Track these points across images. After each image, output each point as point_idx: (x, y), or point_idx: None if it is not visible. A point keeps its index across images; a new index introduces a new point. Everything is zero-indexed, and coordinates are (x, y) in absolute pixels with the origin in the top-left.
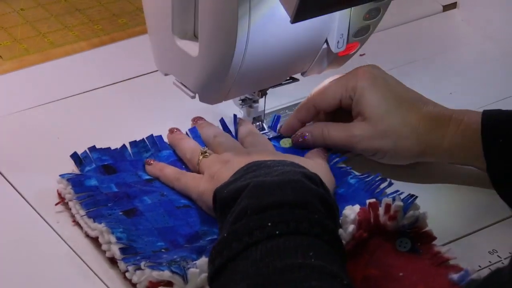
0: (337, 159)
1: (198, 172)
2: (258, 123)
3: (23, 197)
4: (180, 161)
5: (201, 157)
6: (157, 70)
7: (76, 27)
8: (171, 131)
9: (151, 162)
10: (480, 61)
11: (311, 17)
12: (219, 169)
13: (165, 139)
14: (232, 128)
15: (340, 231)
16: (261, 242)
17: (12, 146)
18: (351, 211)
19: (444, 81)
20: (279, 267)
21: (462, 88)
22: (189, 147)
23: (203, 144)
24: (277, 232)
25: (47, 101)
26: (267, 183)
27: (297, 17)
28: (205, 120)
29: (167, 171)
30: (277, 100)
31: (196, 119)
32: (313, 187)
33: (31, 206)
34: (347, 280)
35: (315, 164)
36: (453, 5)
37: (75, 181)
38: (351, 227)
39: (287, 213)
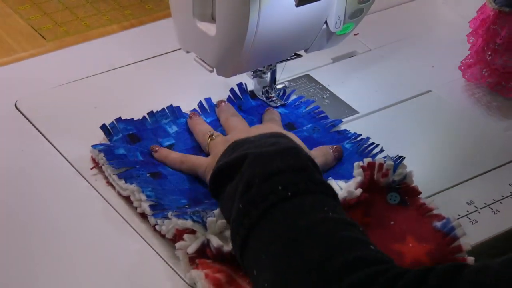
0: (333, 123)
1: (209, 153)
2: (265, 89)
3: (66, 159)
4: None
5: (208, 140)
6: (179, 49)
7: (109, 12)
8: (190, 116)
9: (156, 148)
10: (457, 38)
11: (313, 1)
12: (221, 150)
13: (183, 110)
14: (241, 95)
15: (347, 191)
16: (277, 204)
17: (56, 115)
18: (358, 174)
19: (427, 56)
20: (305, 224)
21: (442, 62)
22: (200, 131)
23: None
24: (289, 194)
25: (84, 76)
26: (266, 153)
27: (300, 2)
28: (226, 104)
29: (172, 156)
30: (283, 73)
31: (220, 103)
32: (304, 152)
33: (74, 167)
34: (361, 226)
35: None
36: None
37: (106, 151)
38: (358, 191)
39: (293, 176)
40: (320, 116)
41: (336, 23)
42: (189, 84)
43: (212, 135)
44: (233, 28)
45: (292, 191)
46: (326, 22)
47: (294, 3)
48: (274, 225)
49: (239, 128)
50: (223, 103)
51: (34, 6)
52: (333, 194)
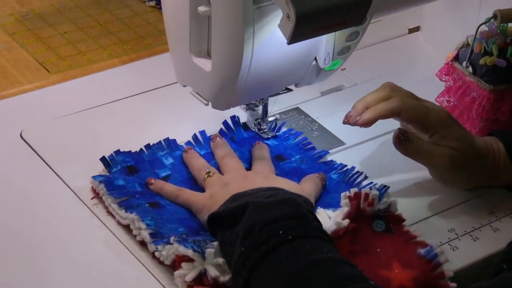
0: (320, 154)
1: (204, 188)
2: (257, 121)
3: (69, 188)
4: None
5: (205, 176)
6: (176, 82)
7: (110, 47)
8: (186, 150)
9: (152, 181)
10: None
11: (303, 40)
12: (218, 190)
13: (179, 142)
14: (233, 127)
15: (335, 222)
16: (278, 247)
17: (59, 145)
18: (345, 204)
19: (410, 90)
20: (306, 263)
21: (423, 96)
22: (197, 166)
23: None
24: (290, 237)
25: (86, 108)
26: (265, 203)
27: (292, 40)
28: (221, 139)
29: (167, 189)
30: (275, 106)
31: (214, 138)
32: (300, 201)
33: (77, 195)
34: (358, 267)
35: (287, 184)
36: (417, 28)
37: (106, 182)
38: (346, 221)
39: (292, 222)
40: (308, 147)
41: (325, 59)
42: (185, 116)
43: (209, 172)
44: (228, 64)
45: (292, 235)
46: (315, 59)
47: (285, 40)
48: (276, 265)
49: (236, 170)
50: (218, 138)
51: (38, 41)
52: (330, 239)
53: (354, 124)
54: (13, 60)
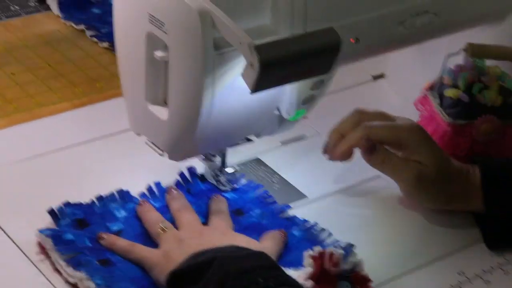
0: (281, 209)
1: (158, 243)
2: (215, 173)
3: (13, 242)
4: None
5: (159, 231)
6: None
7: (60, 90)
8: (140, 204)
9: (103, 236)
10: None
11: (267, 88)
12: (172, 248)
13: (133, 193)
14: (190, 179)
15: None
16: None
17: (3, 194)
18: (309, 264)
19: None
20: None
21: None
22: (151, 220)
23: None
24: (272, 285)
25: (33, 155)
26: (236, 255)
27: (255, 88)
28: (177, 191)
29: (118, 244)
30: (234, 156)
31: (170, 190)
32: (267, 255)
33: (21, 250)
34: None
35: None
36: (381, 75)
37: (54, 236)
38: (309, 283)
39: (271, 272)
40: (269, 201)
41: (288, 109)
42: (139, 166)
43: (163, 227)
44: (186, 113)
45: (274, 283)
46: (278, 109)
47: (247, 89)
48: None
49: (191, 225)
50: (174, 190)
51: None
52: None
53: (332, 159)
54: None
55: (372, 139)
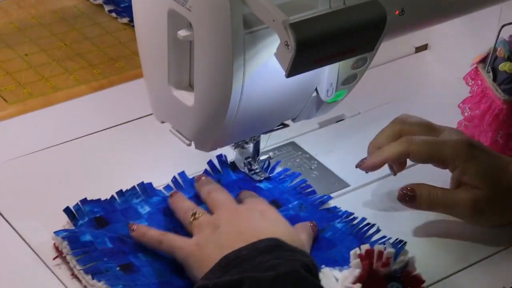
0: (321, 200)
1: (192, 233)
2: (248, 160)
3: (27, 244)
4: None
5: (191, 219)
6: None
7: (77, 71)
8: (171, 195)
9: (134, 227)
10: (451, 101)
11: (304, 72)
12: (207, 236)
13: (156, 186)
14: (220, 168)
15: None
16: None
17: (16, 190)
18: (356, 265)
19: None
20: None
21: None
22: (182, 208)
23: None
24: None
25: (48, 146)
26: (265, 279)
27: (291, 72)
28: (205, 177)
29: (150, 234)
30: (267, 141)
31: (199, 178)
32: (305, 274)
33: (36, 253)
34: None
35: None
36: (424, 47)
37: (70, 238)
38: (357, 286)
39: None
40: (307, 191)
41: (327, 90)
42: (162, 155)
43: (195, 213)
44: (214, 97)
45: None
46: (316, 90)
47: (282, 70)
48: None
49: (226, 204)
50: (203, 177)
51: None
52: None
53: (362, 169)
54: None
55: (411, 159)
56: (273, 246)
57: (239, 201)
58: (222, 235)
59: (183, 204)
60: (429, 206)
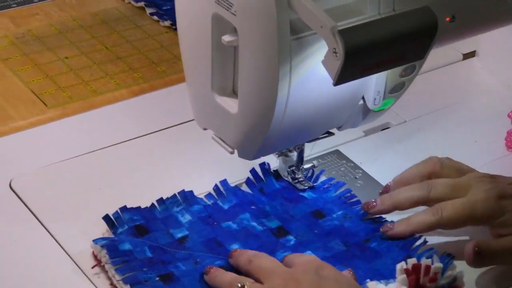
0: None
1: None
2: (291, 169)
3: (65, 251)
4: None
5: None
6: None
7: (117, 75)
8: (207, 271)
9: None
10: (501, 109)
11: (352, 80)
12: None
13: (197, 194)
14: (263, 176)
15: None
16: None
17: (55, 197)
18: (402, 281)
19: (468, 129)
20: None
21: (486, 136)
22: (224, 282)
23: None
24: None
25: (88, 151)
26: None
27: (339, 80)
28: (239, 249)
29: (223, 279)
30: (312, 149)
31: (233, 252)
32: None
33: (74, 261)
34: None
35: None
36: (472, 54)
37: (109, 246)
38: None
39: None
40: (352, 201)
41: (375, 99)
42: (204, 162)
43: (243, 286)
44: (259, 105)
45: None
46: (363, 98)
47: (328, 77)
48: None
49: (277, 273)
50: (237, 250)
51: (35, 68)
52: None
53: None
54: (4, 90)
55: (442, 228)
56: None
57: (286, 264)
58: None
59: (224, 278)
60: (491, 263)
